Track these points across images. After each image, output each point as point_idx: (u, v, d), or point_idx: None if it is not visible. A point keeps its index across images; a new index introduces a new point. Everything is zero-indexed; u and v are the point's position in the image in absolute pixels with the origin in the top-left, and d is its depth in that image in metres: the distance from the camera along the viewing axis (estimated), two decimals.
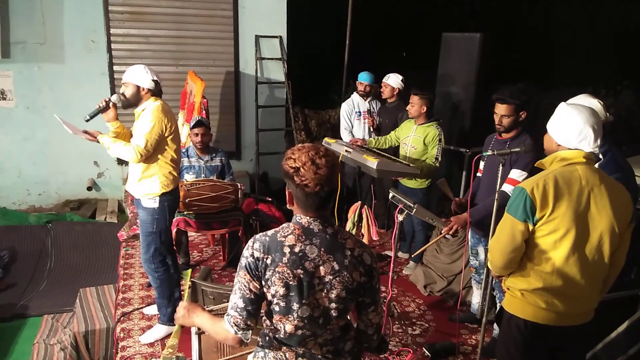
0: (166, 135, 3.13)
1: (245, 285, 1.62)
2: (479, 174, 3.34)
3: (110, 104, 3.16)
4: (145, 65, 3.18)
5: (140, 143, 3.04)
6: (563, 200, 2.00)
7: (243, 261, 1.63)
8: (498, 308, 2.43)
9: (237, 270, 1.65)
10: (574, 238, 2.03)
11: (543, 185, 2.01)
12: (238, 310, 1.63)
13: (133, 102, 3.16)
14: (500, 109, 3.04)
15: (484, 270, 3.37)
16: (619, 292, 3.31)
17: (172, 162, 3.21)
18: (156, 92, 3.16)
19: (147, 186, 3.18)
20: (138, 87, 3.11)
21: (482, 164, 3.30)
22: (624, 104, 9.01)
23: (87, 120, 3.14)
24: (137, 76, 3.11)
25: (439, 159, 4.11)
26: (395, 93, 4.86)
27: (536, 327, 2.14)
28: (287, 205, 1.69)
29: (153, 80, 3.12)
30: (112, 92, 5.88)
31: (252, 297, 1.62)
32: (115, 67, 6.10)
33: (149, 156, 3.12)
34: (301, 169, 1.56)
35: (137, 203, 3.26)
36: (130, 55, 6.12)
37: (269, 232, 1.66)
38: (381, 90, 4.95)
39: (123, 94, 3.15)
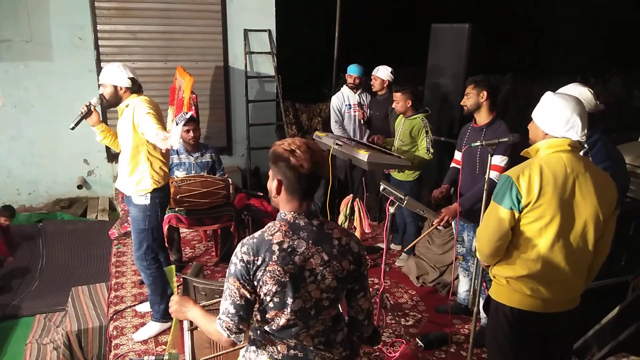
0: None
1: (235, 292, 1.61)
2: (455, 165, 3.38)
3: (92, 108, 3.13)
4: (120, 63, 3.13)
5: (154, 130, 2.89)
6: (548, 187, 2.02)
7: (232, 268, 1.62)
8: (485, 297, 2.45)
9: (227, 276, 1.64)
10: (558, 225, 2.05)
11: (529, 173, 2.03)
12: (230, 315, 1.63)
13: (113, 102, 3.12)
14: (467, 90, 3.21)
15: (470, 257, 3.40)
16: (609, 279, 3.36)
17: (161, 156, 3.19)
18: (135, 89, 3.11)
19: (137, 183, 3.15)
20: (115, 87, 3.07)
21: (458, 155, 3.35)
22: (612, 92, 9.07)
23: (72, 129, 3.09)
24: (113, 76, 3.05)
25: (431, 149, 4.11)
26: (385, 85, 4.85)
27: (522, 314, 2.16)
28: (273, 196, 1.67)
29: (129, 78, 3.06)
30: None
31: (243, 303, 1.62)
32: (102, 64, 6.02)
33: (137, 152, 3.10)
34: (297, 151, 1.59)
35: (128, 200, 3.24)
36: (118, 51, 6.07)
37: (256, 234, 1.66)
38: (371, 83, 4.94)
39: (102, 95, 3.11)
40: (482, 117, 3.21)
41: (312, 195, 1.67)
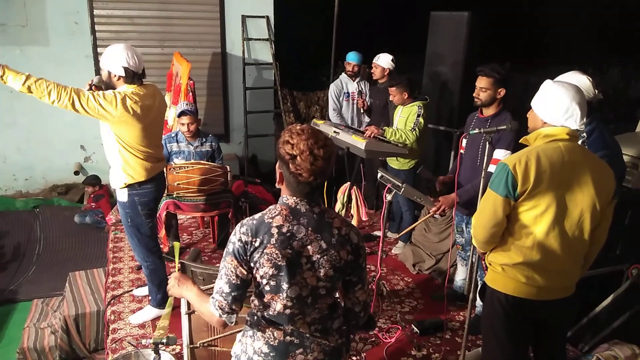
0: (128, 120, 2.88)
1: (232, 271, 1.61)
2: (462, 151, 3.36)
3: (93, 87, 3.05)
4: (124, 46, 2.93)
5: (82, 92, 2.77)
6: (545, 176, 2.02)
7: (230, 247, 1.62)
8: (480, 284, 2.47)
9: (224, 255, 1.65)
10: (554, 213, 2.05)
11: (525, 162, 2.03)
12: (223, 295, 1.63)
13: (111, 86, 2.96)
14: (480, 82, 3.08)
15: (469, 247, 3.41)
16: (604, 267, 3.39)
17: (140, 152, 3.02)
18: (129, 79, 2.93)
19: (115, 177, 3.07)
20: (109, 73, 2.93)
21: (464, 142, 3.31)
22: (610, 82, 9.07)
23: None
24: (108, 61, 2.91)
25: (416, 129, 4.06)
26: (385, 74, 4.76)
27: (517, 301, 2.18)
28: (277, 184, 1.69)
29: (123, 66, 2.87)
30: (97, 74, 5.78)
31: (238, 282, 1.62)
32: (99, 49, 5.98)
33: (114, 146, 2.97)
34: (298, 158, 1.55)
35: (115, 194, 3.21)
36: (114, 36, 6.01)
37: (256, 216, 1.65)
38: (371, 71, 4.90)
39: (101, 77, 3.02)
40: (490, 109, 3.13)
41: (314, 193, 1.65)
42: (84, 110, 2.79)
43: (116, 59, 2.90)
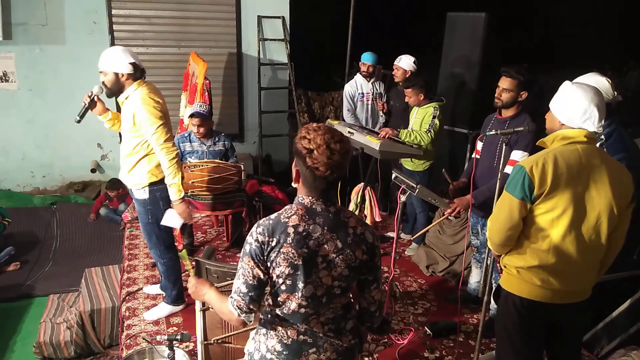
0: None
1: (249, 272, 1.62)
2: (477, 155, 3.33)
3: (95, 98, 3.07)
4: (120, 47, 2.97)
5: (159, 142, 2.92)
6: (562, 179, 2.00)
7: (247, 247, 1.63)
8: (495, 286, 2.44)
9: (241, 256, 1.66)
10: (571, 217, 2.03)
11: (542, 164, 2.00)
12: (241, 295, 1.65)
13: (115, 90, 2.99)
14: (504, 82, 3.07)
15: (485, 249, 3.39)
16: (621, 272, 3.33)
17: None
18: (138, 75, 2.97)
19: (136, 176, 3.08)
20: (117, 74, 2.93)
21: (479, 145, 3.29)
22: (629, 85, 8.93)
23: (78, 121, 3.05)
24: (113, 62, 2.92)
25: (431, 130, 4.05)
26: (407, 76, 4.61)
27: (532, 304, 2.16)
28: (293, 183, 1.70)
29: (130, 63, 2.91)
30: None
31: (255, 283, 1.63)
32: None
33: (136, 147, 3.02)
34: (315, 152, 1.56)
35: (131, 193, 3.22)
36: (132, 36, 6.09)
37: (272, 216, 1.66)
38: (393, 73, 4.83)
39: (104, 84, 2.99)
40: (509, 111, 3.12)
41: (331, 190, 1.65)
42: (171, 137, 3.03)
43: (121, 58, 2.92)
